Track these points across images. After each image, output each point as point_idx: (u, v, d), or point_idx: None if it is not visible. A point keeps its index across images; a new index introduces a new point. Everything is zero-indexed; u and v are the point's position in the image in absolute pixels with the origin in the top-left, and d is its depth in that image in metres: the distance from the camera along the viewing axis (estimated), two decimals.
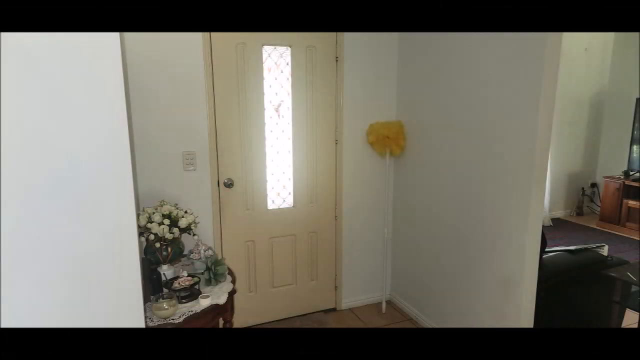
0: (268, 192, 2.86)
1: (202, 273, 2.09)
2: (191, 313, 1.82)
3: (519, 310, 2.14)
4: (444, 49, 2.56)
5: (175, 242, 2.21)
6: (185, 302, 1.89)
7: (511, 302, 2.18)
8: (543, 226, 2.52)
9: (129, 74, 2.30)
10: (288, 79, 2.79)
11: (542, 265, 2.17)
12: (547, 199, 5.43)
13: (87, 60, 1.16)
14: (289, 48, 2.74)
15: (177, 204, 2.22)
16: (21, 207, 1.12)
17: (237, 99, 2.65)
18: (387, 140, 2.94)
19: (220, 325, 2.15)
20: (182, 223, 2.08)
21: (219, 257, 2.41)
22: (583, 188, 5.83)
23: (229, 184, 2.71)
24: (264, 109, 2.74)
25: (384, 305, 3.20)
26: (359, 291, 3.25)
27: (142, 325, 1.37)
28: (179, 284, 1.95)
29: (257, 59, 2.66)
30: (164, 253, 2.11)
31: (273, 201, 2.91)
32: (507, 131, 2.14)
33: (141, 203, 2.39)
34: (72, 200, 1.19)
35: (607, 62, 5.61)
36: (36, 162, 1.12)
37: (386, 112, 3.06)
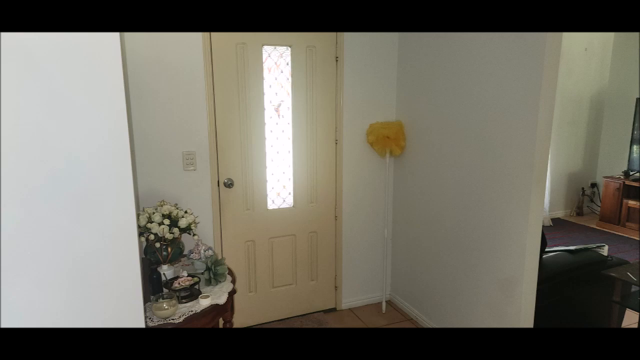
0: (268, 192, 2.86)
1: (202, 273, 2.09)
2: (191, 313, 1.82)
3: (519, 310, 2.14)
4: (444, 49, 2.56)
5: (175, 242, 2.21)
6: (185, 302, 1.89)
7: (511, 302, 2.19)
8: (543, 226, 2.52)
9: (128, 74, 2.31)
10: (288, 79, 2.79)
11: (542, 265, 2.17)
12: (547, 199, 5.43)
13: (86, 60, 1.16)
14: (289, 48, 2.74)
15: (177, 204, 2.22)
16: (21, 207, 1.12)
17: (237, 99, 2.65)
18: (387, 140, 2.94)
19: (220, 325, 2.16)
20: (182, 223, 2.08)
21: (219, 257, 2.41)
22: (583, 188, 5.83)
23: (229, 184, 2.71)
24: (264, 109, 2.74)
25: (384, 305, 3.20)
26: (359, 291, 3.25)
27: (142, 325, 1.37)
28: (179, 284, 1.95)
29: (257, 59, 2.66)
30: (164, 253, 2.11)
31: (273, 201, 2.91)
32: (507, 131, 2.14)
33: (141, 203, 2.39)
34: (72, 200, 1.19)
35: (607, 62, 5.61)
36: (36, 162, 1.12)
37: (386, 112, 3.07)
